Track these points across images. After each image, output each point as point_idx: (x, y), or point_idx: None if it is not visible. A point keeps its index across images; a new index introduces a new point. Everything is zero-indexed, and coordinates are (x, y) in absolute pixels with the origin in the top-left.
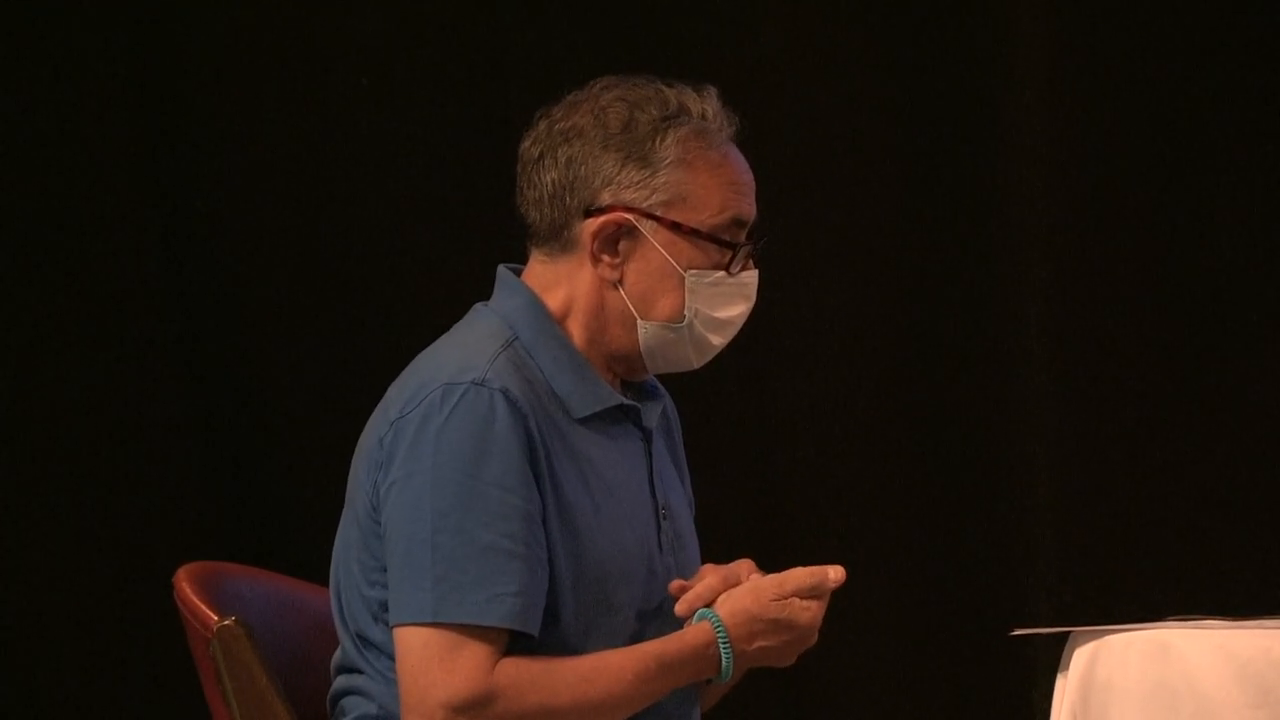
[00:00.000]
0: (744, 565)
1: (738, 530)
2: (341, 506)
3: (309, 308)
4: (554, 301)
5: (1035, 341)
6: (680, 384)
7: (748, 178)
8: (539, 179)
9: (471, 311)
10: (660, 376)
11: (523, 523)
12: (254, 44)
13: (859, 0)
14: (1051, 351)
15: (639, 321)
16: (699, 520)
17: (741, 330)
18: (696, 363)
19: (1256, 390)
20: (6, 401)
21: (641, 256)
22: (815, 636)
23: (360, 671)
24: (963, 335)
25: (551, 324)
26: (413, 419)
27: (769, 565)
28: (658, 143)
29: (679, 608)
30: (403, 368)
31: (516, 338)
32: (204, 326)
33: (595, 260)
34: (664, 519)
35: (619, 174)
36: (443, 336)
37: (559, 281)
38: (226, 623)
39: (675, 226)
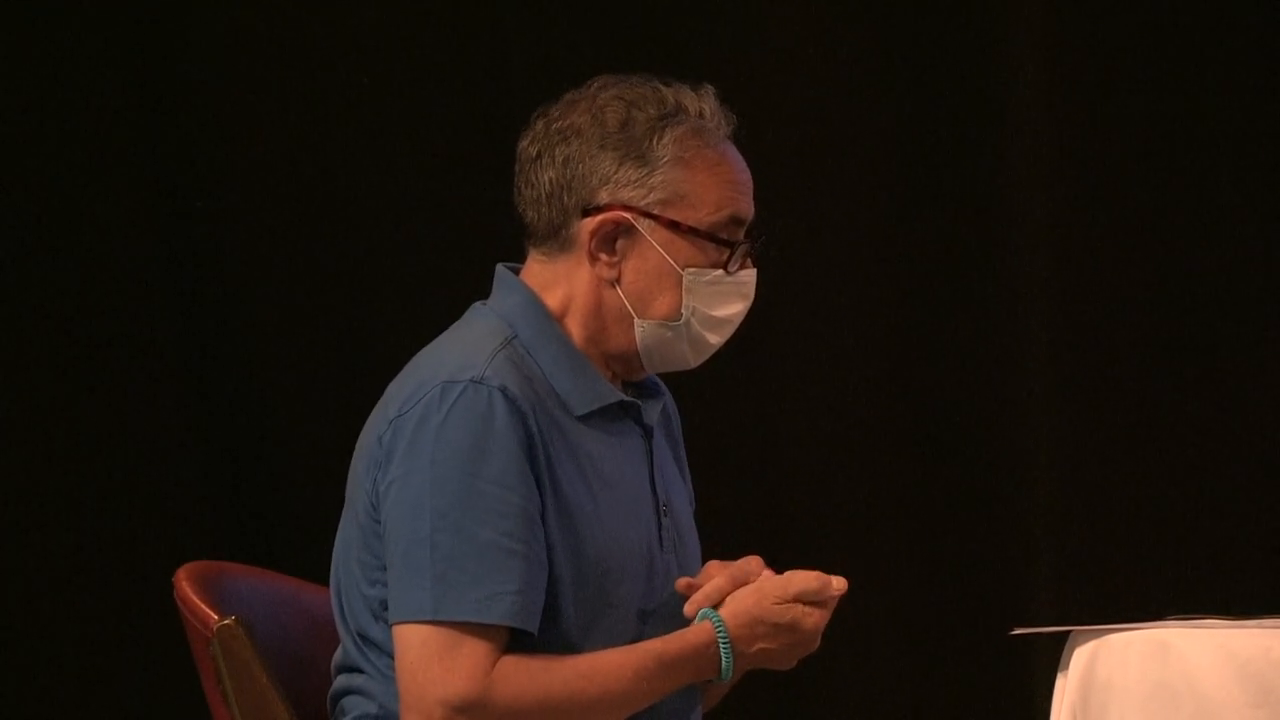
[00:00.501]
0: (753, 561)
1: (738, 529)
2: (341, 506)
3: (309, 307)
4: (552, 300)
5: (1035, 341)
6: (681, 382)
7: (745, 176)
8: (537, 178)
9: (470, 310)
10: (660, 374)
11: (521, 520)
12: (254, 43)
13: (860, 6)
14: (1051, 351)
15: (636, 320)
16: (699, 518)
17: (742, 329)
18: (694, 361)
19: (1257, 390)
20: (7, 402)
21: (639, 255)
22: (818, 642)
23: (361, 671)
24: (963, 334)
25: (550, 322)
26: (411, 417)
27: (770, 565)
28: (655, 141)
29: (687, 608)
30: (403, 367)
31: (515, 336)
32: (204, 326)
33: (593, 259)
34: (665, 516)
35: (617, 173)
36: (441, 335)
37: (557, 280)
38: (226, 622)
39: (673, 225)
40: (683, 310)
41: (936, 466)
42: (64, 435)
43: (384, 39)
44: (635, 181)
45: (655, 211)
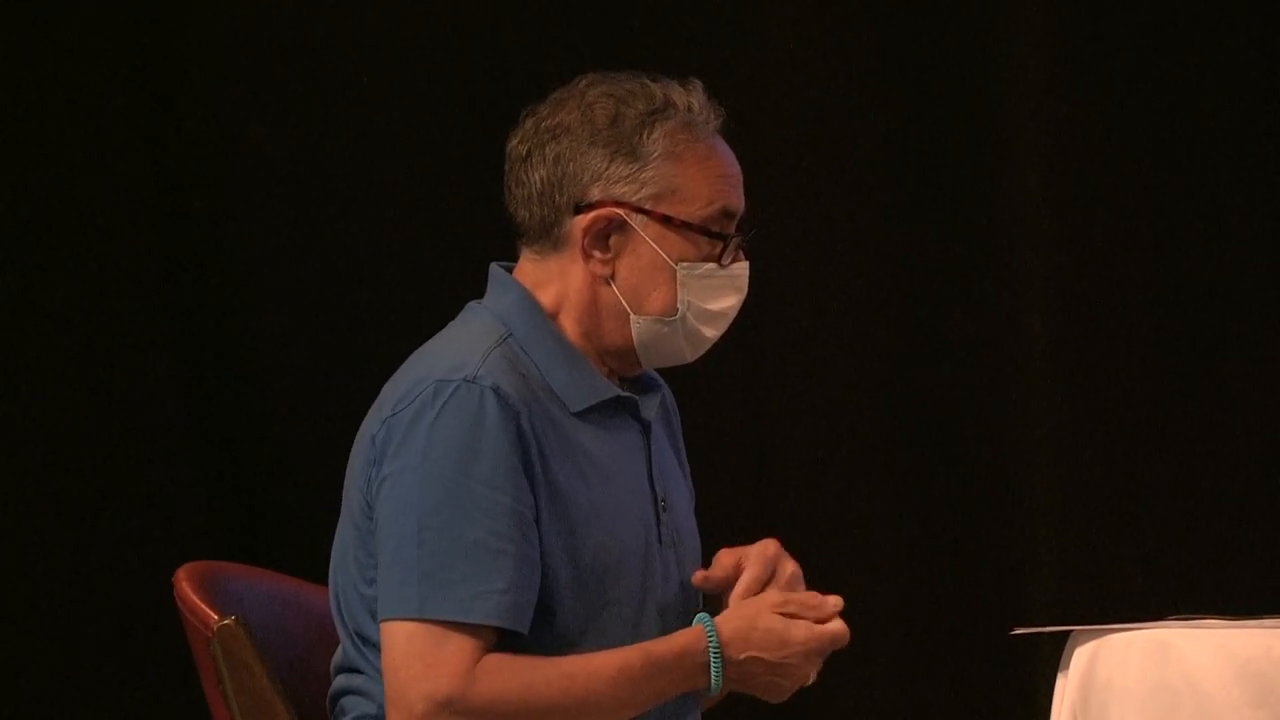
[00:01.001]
0: (770, 546)
1: (737, 526)
2: (340, 506)
3: (308, 307)
4: (546, 298)
5: (1035, 340)
6: (680, 381)
7: (735, 169)
8: (527, 177)
9: (465, 309)
10: (659, 371)
11: (511, 520)
12: (254, 43)
13: (860, 4)
14: (1052, 351)
15: (632, 316)
16: (699, 514)
17: (741, 327)
18: (690, 356)
19: (1257, 390)
20: (6, 402)
21: (632, 251)
22: (811, 672)
23: (359, 671)
24: (963, 334)
25: (545, 320)
26: (405, 416)
27: None
28: (645, 137)
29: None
30: (400, 365)
31: (510, 334)
32: (204, 326)
33: (586, 256)
34: (663, 512)
35: (608, 169)
36: (437, 334)
37: (551, 279)
38: (226, 622)
39: (665, 220)
40: (678, 305)
41: (936, 466)
42: (64, 435)
43: (384, 39)
44: (626, 177)
45: (647, 207)
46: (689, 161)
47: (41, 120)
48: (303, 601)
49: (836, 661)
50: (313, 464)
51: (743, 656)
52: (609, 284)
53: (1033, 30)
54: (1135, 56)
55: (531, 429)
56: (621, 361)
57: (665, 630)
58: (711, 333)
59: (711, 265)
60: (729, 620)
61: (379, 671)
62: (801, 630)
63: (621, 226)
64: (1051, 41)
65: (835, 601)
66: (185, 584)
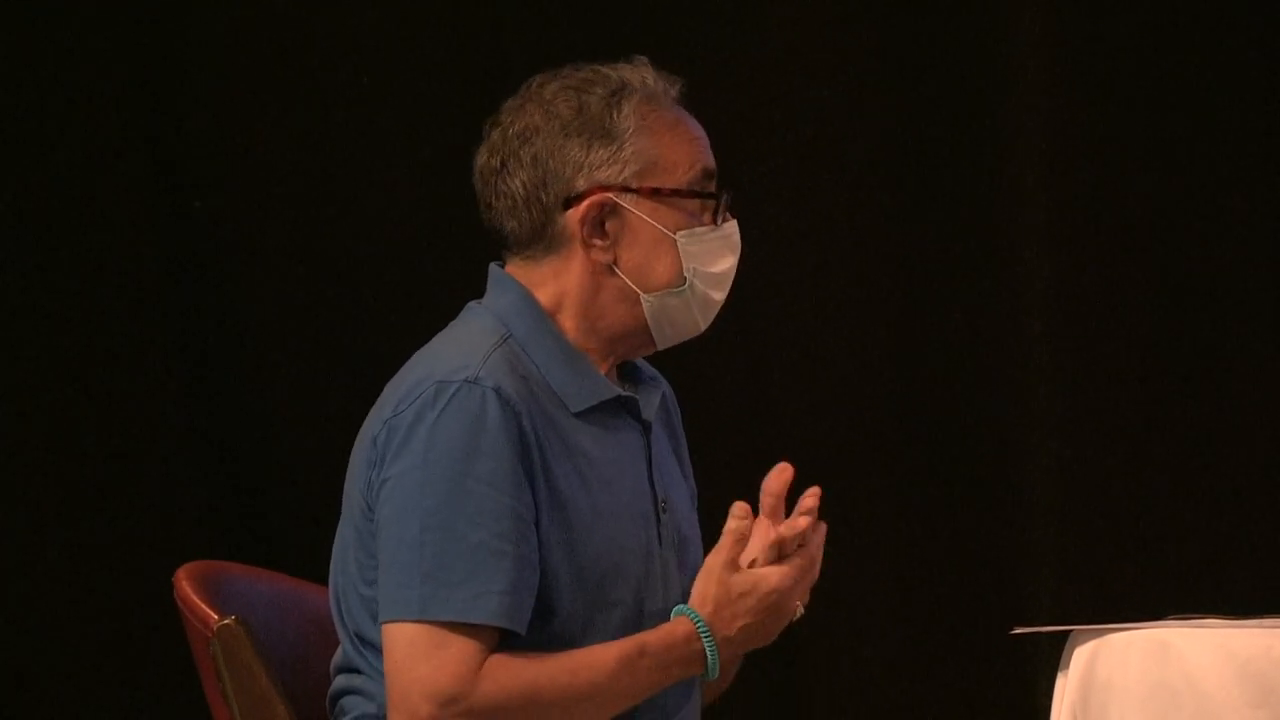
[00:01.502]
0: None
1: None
2: (340, 506)
3: (308, 307)
4: (544, 297)
5: (1036, 340)
6: (681, 380)
7: (702, 131)
8: (507, 186)
9: (465, 310)
10: (660, 370)
11: (512, 521)
12: (254, 43)
13: (864, 2)
14: (1052, 351)
15: (642, 296)
16: (699, 515)
17: (742, 326)
18: (703, 324)
19: (1257, 390)
20: (6, 402)
21: (630, 231)
22: (797, 599)
23: (359, 671)
24: (963, 333)
25: (544, 319)
26: (406, 417)
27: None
28: (615, 116)
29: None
30: (401, 366)
31: (510, 334)
32: (204, 326)
33: (587, 246)
34: (663, 513)
35: (588, 156)
36: (437, 335)
37: (545, 279)
38: (226, 622)
39: (655, 192)
40: (685, 273)
41: (937, 465)
42: (64, 435)
43: (384, 39)
44: (607, 160)
45: (634, 184)
46: (661, 131)
47: (41, 120)
48: (303, 601)
49: (838, 661)
50: (313, 464)
51: (733, 631)
52: (613, 270)
53: (1032, 29)
54: (1135, 55)
55: (532, 430)
56: (632, 346)
57: None
58: (718, 296)
59: (707, 227)
60: (705, 602)
61: (379, 672)
62: (773, 576)
63: (614, 210)
64: (1051, 40)
65: (801, 524)
66: (185, 584)
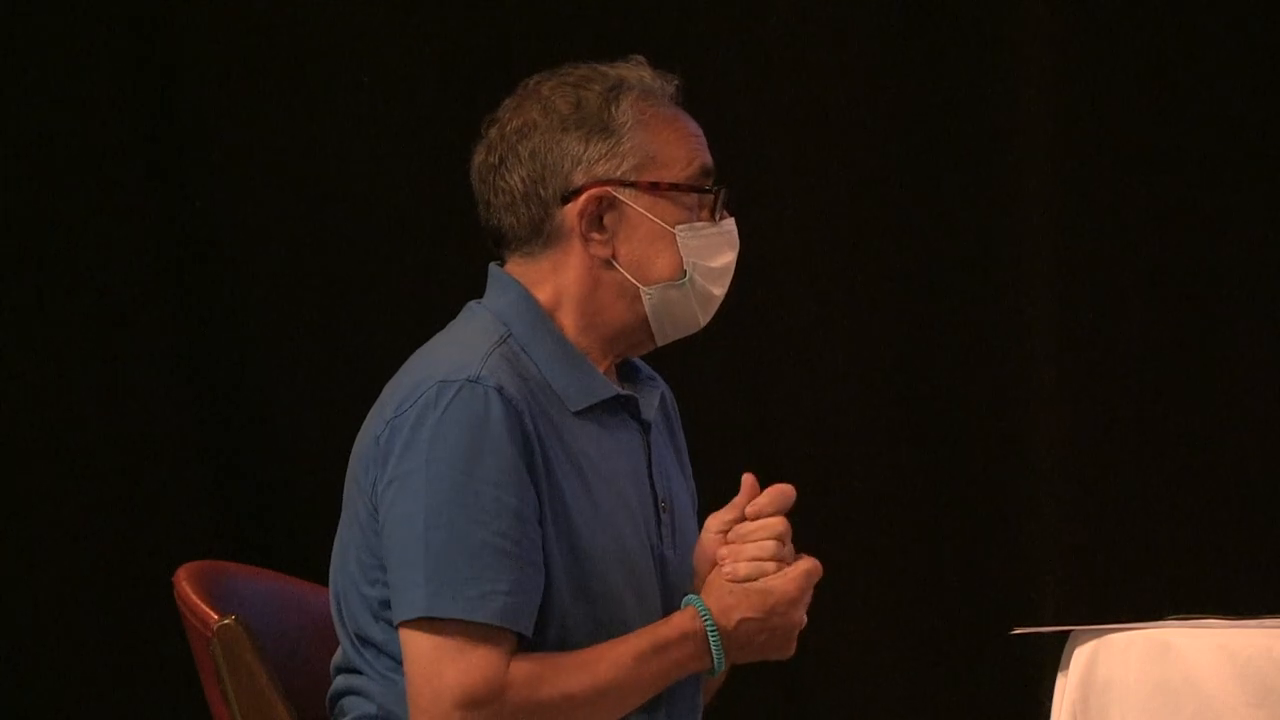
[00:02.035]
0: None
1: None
2: (341, 506)
3: (308, 307)
4: (542, 295)
5: (1038, 340)
6: (682, 381)
7: (699, 129)
8: (505, 183)
9: (465, 309)
10: (659, 370)
11: (516, 521)
12: (254, 43)
13: (864, 1)
14: (1053, 352)
15: (642, 290)
16: (700, 514)
17: (744, 326)
18: (703, 319)
19: (1257, 391)
20: (6, 402)
21: (629, 226)
22: (801, 613)
23: (359, 671)
24: (965, 333)
25: (544, 318)
26: (408, 417)
27: None
28: (613, 111)
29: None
30: (401, 366)
31: (510, 334)
32: (203, 326)
33: (586, 241)
34: (663, 511)
35: (586, 151)
36: (437, 335)
37: (544, 276)
38: (226, 622)
39: (653, 187)
40: (684, 267)
41: (938, 465)
42: (64, 435)
43: (384, 39)
44: (605, 155)
45: (632, 179)
46: (659, 127)
47: (40, 119)
48: (303, 601)
49: (838, 661)
50: (313, 464)
51: (734, 623)
52: (612, 265)
53: (1038, 26)
54: (1140, 50)
55: (534, 429)
56: (631, 342)
57: None
58: (718, 291)
59: (705, 222)
60: (710, 594)
61: (379, 672)
62: (777, 579)
63: (613, 204)
64: (1056, 41)
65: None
66: (185, 584)
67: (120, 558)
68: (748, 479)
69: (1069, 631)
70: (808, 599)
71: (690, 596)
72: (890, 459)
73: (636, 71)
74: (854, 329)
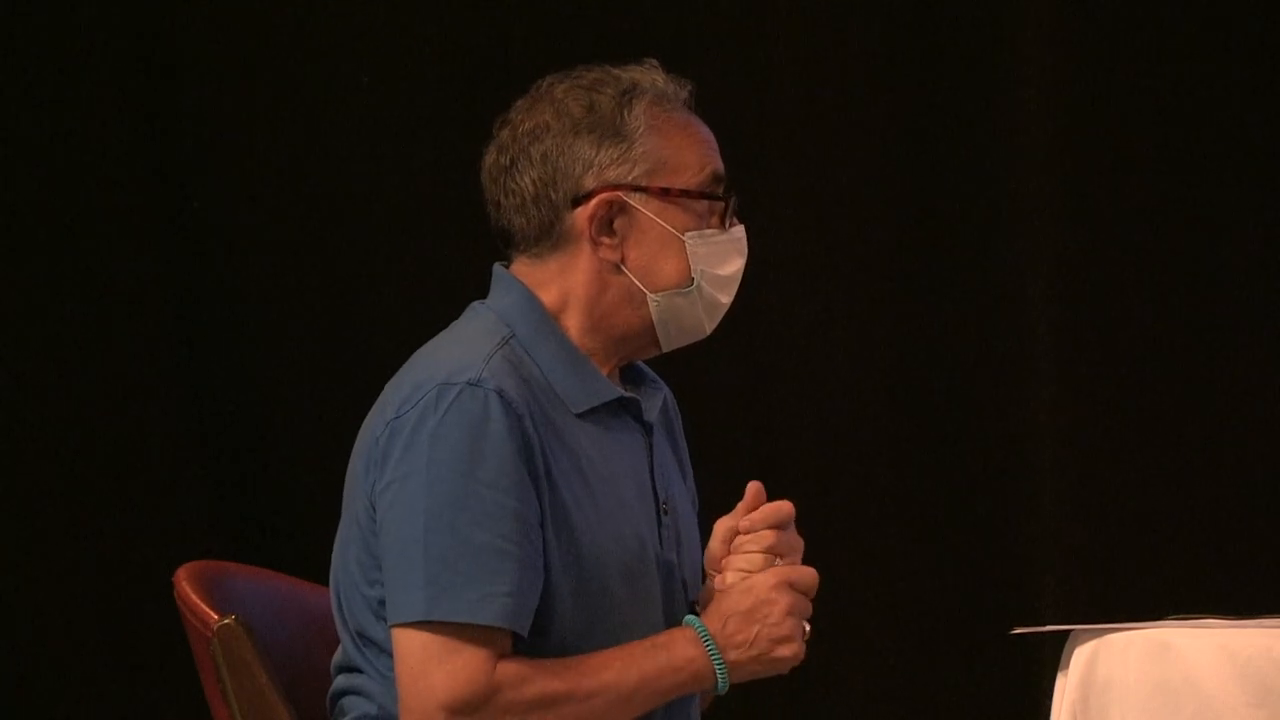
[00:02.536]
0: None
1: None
2: (341, 506)
3: (308, 306)
4: (548, 297)
5: (1039, 340)
6: (683, 382)
7: (711, 135)
8: (516, 184)
9: (468, 309)
10: (661, 373)
11: (516, 523)
12: (254, 43)
13: (864, 2)
14: (1055, 351)
15: (649, 296)
16: (701, 517)
17: (744, 327)
18: (709, 326)
19: (1257, 391)
20: (6, 402)
21: (638, 230)
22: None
23: (360, 671)
24: (966, 333)
25: (548, 319)
26: (409, 419)
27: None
28: (626, 116)
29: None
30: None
31: (513, 335)
32: (203, 326)
33: (595, 245)
34: (665, 514)
35: (598, 155)
36: (439, 335)
37: (550, 278)
38: (226, 622)
39: (664, 192)
40: (692, 274)
41: (938, 465)
42: (64, 435)
43: (384, 39)
44: (617, 160)
45: (643, 184)
46: (671, 132)
47: (39, 119)
48: (303, 601)
49: (838, 661)
50: (313, 464)
51: (721, 622)
52: (620, 270)
53: (1038, 26)
54: (1140, 50)
55: (535, 432)
56: (637, 347)
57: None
58: (725, 299)
59: (715, 229)
60: (705, 612)
61: (380, 672)
62: (764, 579)
63: (623, 208)
64: (1056, 36)
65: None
66: (185, 584)
67: (120, 558)
68: (753, 486)
69: (1069, 631)
70: (798, 607)
71: (689, 617)
72: (890, 459)
73: (650, 75)
74: (854, 330)
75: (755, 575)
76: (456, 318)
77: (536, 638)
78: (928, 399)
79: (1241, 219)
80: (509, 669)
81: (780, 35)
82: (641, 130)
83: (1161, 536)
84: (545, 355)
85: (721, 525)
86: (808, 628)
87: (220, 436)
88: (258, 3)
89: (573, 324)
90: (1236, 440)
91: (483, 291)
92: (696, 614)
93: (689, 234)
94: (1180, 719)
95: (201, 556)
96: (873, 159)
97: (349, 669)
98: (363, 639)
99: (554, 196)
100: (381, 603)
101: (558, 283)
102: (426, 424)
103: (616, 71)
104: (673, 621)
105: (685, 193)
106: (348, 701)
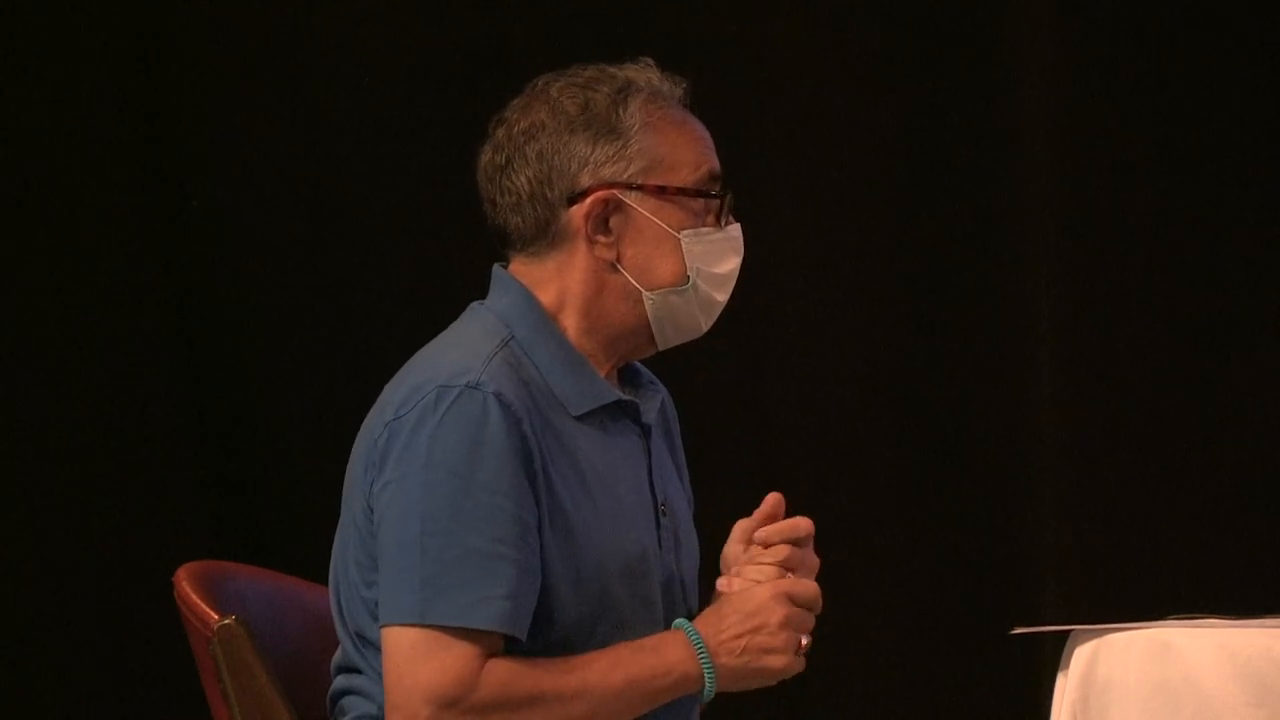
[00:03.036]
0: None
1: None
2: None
3: (308, 307)
4: (546, 297)
5: (1040, 341)
6: (683, 382)
7: (707, 133)
8: (512, 183)
9: (467, 310)
10: (660, 374)
11: (513, 527)
12: (254, 42)
13: (864, 2)
14: (1053, 352)
15: (644, 294)
16: (699, 519)
17: (744, 327)
18: (705, 325)
19: (1257, 391)
20: (6, 402)
21: (634, 229)
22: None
23: (359, 672)
24: (966, 334)
25: (546, 320)
26: (407, 421)
27: None
28: (621, 114)
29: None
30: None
31: (513, 336)
32: (203, 326)
33: (591, 243)
34: (663, 516)
35: (593, 153)
36: (439, 336)
37: (548, 277)
38: (226, 622)
39: (660, 190)
40: (688, 272)
41: (938, 465)
42: (63, 435)
43: (384, 38)
44: (613, 157)
45: (639, 182)
46: (667, 130)
47: (39, 119)
48: (303, 601)
49: (838, 660)
50: (313, 464)
51: (716, 626)
52: (616, 268)
53: (1038, 26)
54: (1141, 50)
55: (533, 435)
56: (633, 346)
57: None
58: (721, 297)
59: (711, 228)
60: (702, 619)
61: (379, 672)
62: (764, 588)
63: (619, 207)
64: (1056, 36)
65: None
66: (185, 584)
67: (120, 558)
68: (772, 497)
69: (1069, 631)
70: (794, 620)
71: (679, 620)
72: (890, 459)
73: (645, 74)
74: (854, 330)
75: (756, 585)
76: (456, 318)
77: (536, 639)
78: (928, 399)
79: (1241, 219)
80: (496, 667)
81: (780, 35)
82: (637, 128)
83: (1161, 536)
84: (544, 357)
85: (739, 527)
86: (804, 642)
87: (220, 436)
88: (258, 3)
89: (571, 324)
90: (1236, 440)
91: (482, 292)
92: (691, 617)
93: (684, 232)
94: (1180, 719)
95: (201, 556)
96: (873, 159)
97: (348, 669)
98: (362, 640)
99: (550, 195)
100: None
101: (555, 282)
102: (425, 426)
103: (612, 70)
104: (668, 621)
105: (681, 190)
106: (347, 702)
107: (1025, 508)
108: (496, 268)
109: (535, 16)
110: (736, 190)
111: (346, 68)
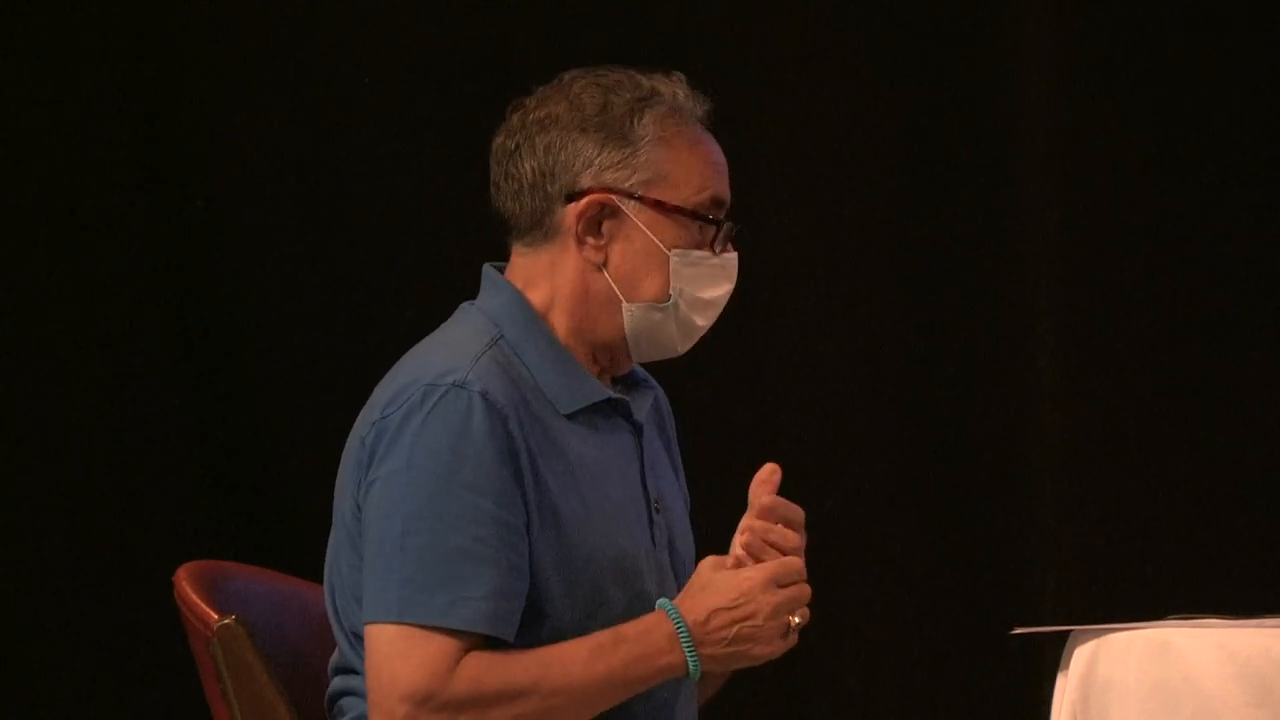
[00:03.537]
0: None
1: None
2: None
3: (309, 306)
4: (537, 296)
5: (1040, 341)
6: (682, 382)
7: (722, 159)
8: (517, 170)
9: (458, 310)
10: (660, 373)
11: (494, 527)
12: (255, 42)
13: (864, 2)
14: (1053, 352)
15: (624, 304)
16: (697, 517)
17: (743, 327)
18: (681, 347)
19: (1257, 391)
20: (6, 401)
21: (625, 237)
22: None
23: (356, 672)
24: (966, 334)
25: (537, 319)
26: (394, 419)
27: None
28: (635, 122)
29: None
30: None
31: (502, 336)
32: (204, 326)
33: (580, 243)
34: (656, 513)
35: (599, 155)
36: (429, 335)
37: (542, 274)
38: (226, 622)
39: (658, 205)
40: (670, 292)
41: (938, 465)
42: (63, 435)
43: (384, 38)
44: (618, 163)
45: (639, 192)
46: (679, 147)
47: (41, 119)
48: (303, 601)
49: (838, 661)
50: (313, 464)
51: (704, 615)
52: (602, 271)
53: (1039, 26)
54: (1142, 50)
55: (521, 434)
56: (611, 357)
57: None
58: (702, 322)
59: (704, 253)
60: (683, 598)
61: None
62: (753, 569)
63: (614, 212)
64: (1057, 36)
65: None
66: (185, 584)
67: (120, 558)
68: (768, 467)
69: (1069, 631)
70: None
71: (663, 601)
72: (890, 459)
73: (671, 87)
74: (854, 329)
75: (743, 571)
76: (448, 319)
77: (529, 637)
78: (928, 398)
79: (1241, 219)
80: (472, 662)
81: (780, 35)
82: (648, 139)
83: (1161, 536)
84: (534, 356)
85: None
86: (795, 620)
87: (220, 437)
88: (258, 3)
89: (559, 324)
90: (1236, 440)
91: (475, 293)
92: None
93: (675, 251)
94: (1180, 719)
95: (201, 556)
96: (873, 158)
97: (346, 670)
98: (358, 640)
99: (549, 188)
100: None
101: (548, 279)
102: (410, 424)
103: (640, 77)
104: None
105: (679, 209)
106: (345, 702)
107: (1025, 508)
108: (487, 267)
109: (535, 16)
110: (737, 190)
111: (347, 68)
